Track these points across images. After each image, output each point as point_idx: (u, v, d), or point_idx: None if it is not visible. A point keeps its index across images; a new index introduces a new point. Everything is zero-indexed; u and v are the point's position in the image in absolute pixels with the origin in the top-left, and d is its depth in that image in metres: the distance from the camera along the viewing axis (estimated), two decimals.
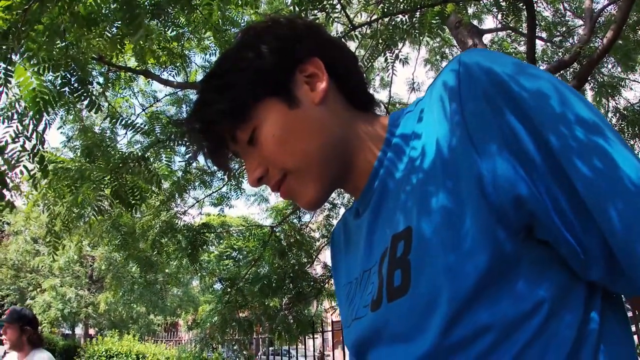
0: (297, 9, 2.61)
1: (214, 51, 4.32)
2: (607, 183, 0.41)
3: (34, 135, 2.53)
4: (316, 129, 0.58)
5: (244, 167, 4.12)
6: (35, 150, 2.56)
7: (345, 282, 0.68)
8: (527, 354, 0.44)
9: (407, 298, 0.48)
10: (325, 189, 0.60)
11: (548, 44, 5.92)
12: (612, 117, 5.37)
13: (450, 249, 0.45)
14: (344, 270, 0.71)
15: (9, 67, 2.21)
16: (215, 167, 0.69)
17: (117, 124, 3.36)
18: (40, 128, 2.53)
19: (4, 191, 2.50)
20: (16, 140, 2.49)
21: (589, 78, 4.55)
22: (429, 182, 0.49)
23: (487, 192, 0.44)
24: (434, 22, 3.05)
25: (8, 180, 2.47)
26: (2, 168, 2.47)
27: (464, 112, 0.46)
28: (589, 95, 5.91)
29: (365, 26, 3.19)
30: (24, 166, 2.63)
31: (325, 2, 2.49)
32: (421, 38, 3.63)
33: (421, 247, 0.48)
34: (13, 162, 2.50)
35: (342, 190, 0.66)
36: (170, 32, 3.52)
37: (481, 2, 4.77)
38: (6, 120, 2.58)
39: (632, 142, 5.41)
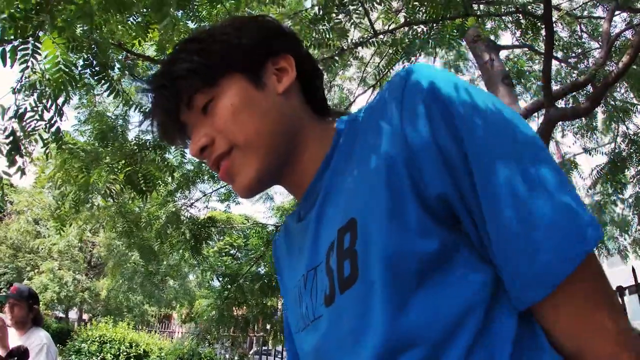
0: (320, 11, 2.66)
1: None
2: (502, 190, 0.46)
3: (53, 107, 2.57)
4: (272, 114, 0.61)
5: None
6: (52, 122, 2.60)
7: (292, 287, 0.69)
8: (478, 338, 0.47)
9: (358, 285, 0.50)
10: (265, 174, 0.61)
11: (562, 64, 5.94)
12: (621, 142, 5.38)
13: (394, 237, 0.49)
14: (290, 276, 0.72)
15: (36, 43, 2.25)
16: (161, 138, 0.68)
17: (134, 110, 3.39)
18: (60, 101, 2.58)
19: (17, 157, 2.55)
20: (35, 109, 2.53)
21: (600, 101, 4.57)
22: (372, 179, 0.52)
23: (420, 188, 0.49)
24: (453, 34, 3.09)
25: (22, 148, 2.52)
26: (18, 134, 2.52)
27: (403, 118, 0.51)
28: (600, 118, 5.93)
29: (386, 34, 3.23)
30: (39, 135, 2.67)
31: (349, 7, 2.54)
32: (438, 50, 3.66)
33: (366, 236, 0.50)
34: (29, 130, 2.54)
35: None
36: (192, 24, 3.56)
37: (501, 18, 4.81)
38: (28, 90, 2.62)
39: (639, 168, 5.42)
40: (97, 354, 10.74)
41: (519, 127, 0.49)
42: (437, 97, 0.49)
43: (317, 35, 2.79)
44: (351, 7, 2.61)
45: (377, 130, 0.54)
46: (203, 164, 4.15)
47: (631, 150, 5.17)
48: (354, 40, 2.93)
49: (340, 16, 2.66)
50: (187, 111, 0.62)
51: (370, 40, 2.77)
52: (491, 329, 0.47)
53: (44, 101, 2.59)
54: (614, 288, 4.19)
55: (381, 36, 3.09)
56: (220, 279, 4.82)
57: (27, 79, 2.71)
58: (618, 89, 5.66)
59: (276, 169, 0.63)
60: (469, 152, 0.47)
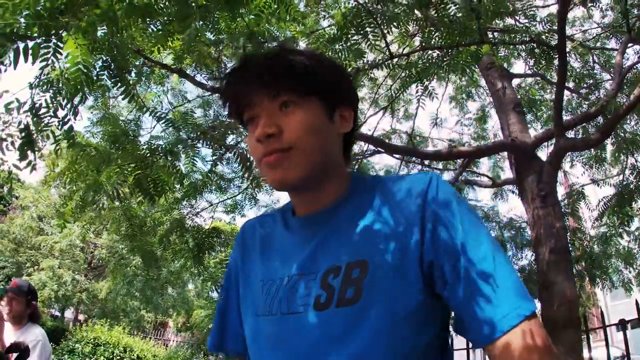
0: (338, 31, 2.70)
1: None
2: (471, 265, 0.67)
3: (68, 106, 2.60)
4: (329, 144, 0.78)
5: (261, 179, 4.20)
6: (66, 120, 2.62)
7: (260, 278, 0.82)
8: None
9: (355, 307, 0.68)
10: (302, 181, 0.75)
11: (574, 94, 5.96)
12: (629, 174, 5.37)
13: (396, 286, 0.68)
14: (260, 267, 0.85)
15: (59, 43, 2.29)
16: (227, 109, 0.82)
17: (148, 114, 3.43)
18: (76, 100, 2.61)
19: (29, 152, 2.57)
20: (51, 105, 2.56)
21: (611, 133, 4.57)
22: (386, 234, 0.72)
23: (421, 257, 0.69)
24: (467, 61, 3.12)
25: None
26: (31, 129, 2.54)
27: (426, 207, 0.71)
28: (609, 149, 5.91)
29: (401, 57, 3.27)
30: (52, 131, 2.69)
31: (367, 28, 2.58)
32: (451, 75, 3.69)
33: (375, 277, 0.69)
34: (42, 125, 2.56)
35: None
36: (211, 36, 3.63)
37: (515, 46, 4.86)
38: (45, 87, 2.65)
39: None
40: (91, 355, 10.65)
41: (486, 230, 0.72)
42: (447, 207, 0.71)
43: (333, 55, 2.83)
44: (368, 29, 2.65)
45: (400, 210, 0.73)
46: (210, 174, 4.19)
47: (639, 183, 5.14)
48: (369, 62, 2.97)
49: (357, 37, 2.70)
50: (266, 95, 0.75)
51: (386, 63, 2.81)
52: None
53: (60, 99, 2.62)
54: (617, 321, 4.14)
55: (396, 59, 3.12)
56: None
57: (45, 76, 2.75)
58: (628, 121, 5.66)
59: (309, 183, 0.77)
60: (459, 242, 0.68)
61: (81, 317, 18.12)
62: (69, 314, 19.20)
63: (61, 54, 2.38)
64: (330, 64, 0.82)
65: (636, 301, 3.86)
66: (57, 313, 19.16)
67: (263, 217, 0.94)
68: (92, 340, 10.93)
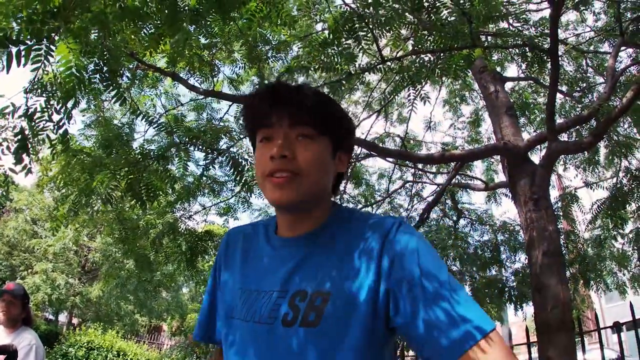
0: (331, 35, 2.69)
1: (241, 64, 4.42)
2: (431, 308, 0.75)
3: (62, 110, 2.60)
4: (327, 180, 0.91)
5: (253, 184, 4.18)
6: (60, 124, 2.62)
7: (243, 287, 0.92)
8: None
9: (314, 329, 0.79)
10: (300, 203, 0.87)
11: (567, 97, 5.98)
12: (622, 177, 5.38)
13: (351, 317, 0.79)
14: (240, 275, 0.95)
15: (50, 46, 2.29)
16: (245, 120, 0.94)
17: (141, 119, 3.42)
18: (70, 104, 2.61)
19: (24, 156, 2.57)
20: (45, 110, 2.56)
21: (604, 136, 4.59)
22: (350, 268, 0.83)
23: (377, 289, 0.80)
24: (460, 64, 3.12)
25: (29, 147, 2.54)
26: (27, 133, 2.54)
27: (385, 244, 0.82)
28: (602, 152, 5.94)
29: (393, 61, 3.27)
30: (47, 136, 2.69)
31: (359, 32, 2.58)
32: (444, 79, 3.70)
33: (334, 307, 0.80)
34: (38, 129, 2.56)
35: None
36: (204, 40, 3.62)
37: (507, 50, 4.87)
38: (39, 91, 2.65)
39: None
40: (84, 359, 10.58)
41: (444, 265, 0.81)
42: (407, 245, 0.82)
43: (325, 59, 2.83)
44: (360, 33, 2.65)
45: (364, 247, 0.84)
46: (204, 178, 4.18)
47: (633, 186, 5.16)
48: (361, 66, 2.97)
49: (350, 41, 2.70)
50: (287, 122, 0.87)
51: (378, 67, 2.81)
52: None
53: (54, 103, 2.62)
54: (612, 324, 4.15)
55: (388, 63, 3.13)
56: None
57: (39, 80, 2.75)
58: (621, 124, 5.69)
59: (303, 206, 0.89)
60: (418, 280, 0.77)
61: (75, 320, 17.99)
62: (62, 317, 19.06)
63: (53, 57, 2.38)
64: (344, 114, 0.97)
65: (630, 304, 3.88)
66: (51, 317, 19.02)
67: (247, 227, 1.05)
68: (85, 344, 10.84)
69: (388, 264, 0.80)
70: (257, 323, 0.85)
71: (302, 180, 0.85)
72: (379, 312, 0.80)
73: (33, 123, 2.55)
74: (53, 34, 2.33)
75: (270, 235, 0.96)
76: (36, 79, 2.75)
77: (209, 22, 3.37)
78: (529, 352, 4.28)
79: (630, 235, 5.80)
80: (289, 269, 0.87)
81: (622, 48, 4.86)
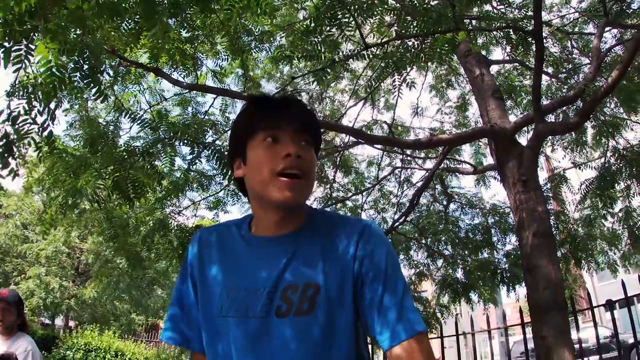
0: (313, 23, 2.66)
1: (225, 57, 4.36)
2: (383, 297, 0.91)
3: (46, 111, 2.57)
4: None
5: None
6: (45, 125, 2.59)
7: (227, 286, 0.95)
8: None
9: (308, 317, 0.89)
10: (301, 204, 0.96)
11: (553, 79, 6.00)
12: (610, 156, 5.43)
13: (338, 305, 0.91)
14: (221, 274, 0.97)
15: (30, 45, 2.25)
16: (254, 117, 0.98)
17: (124, 116, 3.37)
18: (52, 105, 2.58)
19: (10, 160, 2.54)
20: (28, 113, 2.53)
21: (590, 116, 4.61)
22: (333, 260, 0.93)
23: (355, 282, 0.92)
24: (444, 49, 3.11)
25: (15, 150, 2.52)
26: (11, 137, 2.51)
27: (360, 242, 0.94)
28: (590, 133, 5.98)
29: (377, 47, 3.24)
30: (32, 138, 2.66)
31: (341, 19, 2.55)
32: (429, 64, 3.68)
33: (325, 297, 0.90)
34: (22, 133, 2.53)
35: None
36: (185, 33, 3.56)
37: (491, 33, 4.86)
38: (21, 93, 2.62)
39: (629, 182, 5.45)
40: None
41: (400, 269, 0.97)
42: (376, 245, 0.95)
43: (309, 47, 2.80)
44: (343, 20, 2.62)
45: (342, 244, 0.95)
46: (191, 172, 4.14)
47: (620, 165, 5.20)
48: (345, 53, 2.95)
49: (333, 29, 2.67)
50: (295, 128, 0.95)
51: (362, 53, 2.79)
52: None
53: (36, 104, 2.59)
54: (604, 302, 4.21)
55: (373, 49, 3.10)
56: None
57: (20, 83, 2.71)
58: (608, 104, 5.71)
59: (299, 207, 0.97)
60: (384, 271, 0.92)
61: (72, 323, 17.90)
62: (59, 321, 18.97)
63: (33, 57, 2.34)
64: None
65: (622, 282, 3.93)
66: (48, 321, 18.93)
67: (219, 226, 1.08)
68: (83, 346, 10.81)
69: (362, 256, 0.92)
70: (250, 318, 0.90)
71: (308, 182, 0.94)
72: (357, 296, 0.92)
73: (17, 126, 2.52)
74: (32, 34, 2.29)
75: (246, 235, 1.00)
76: (17, 82, 2.71)
77: (189, 15, 3.33)
78: (524, 333, 4.33)
79: (620, 214, 5.86)
80: (281, 266, 0.93)
81: (607, 28, 4.88)
